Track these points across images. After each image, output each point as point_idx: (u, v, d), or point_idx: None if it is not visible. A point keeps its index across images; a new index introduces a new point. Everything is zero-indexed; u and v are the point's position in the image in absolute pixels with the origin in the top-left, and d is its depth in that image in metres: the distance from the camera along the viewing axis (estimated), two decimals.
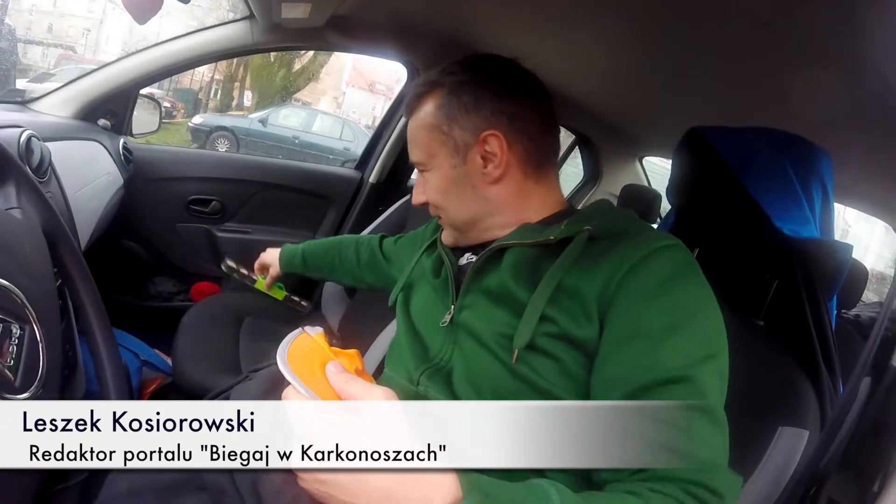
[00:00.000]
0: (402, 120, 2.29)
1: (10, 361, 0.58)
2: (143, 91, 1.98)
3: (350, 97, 18.25)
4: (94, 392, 0.84)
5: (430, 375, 0.88)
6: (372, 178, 2.41)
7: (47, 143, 1.33)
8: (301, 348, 0.67)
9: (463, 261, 1.00)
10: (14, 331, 0.60)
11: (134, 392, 1.47)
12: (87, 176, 1.55)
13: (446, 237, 1.01)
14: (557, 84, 2.10)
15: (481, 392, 0.83)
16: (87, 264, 0.83)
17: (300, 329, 0.70)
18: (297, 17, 1.63)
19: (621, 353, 0.74)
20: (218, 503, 0.65)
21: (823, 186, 1.12)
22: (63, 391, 0.69)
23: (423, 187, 0.96)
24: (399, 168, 2.43)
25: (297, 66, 14.86)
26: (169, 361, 1.61)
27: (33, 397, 0.58)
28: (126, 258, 2.10)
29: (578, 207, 1.00)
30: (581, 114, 2.54)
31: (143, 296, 2.15)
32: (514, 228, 0.93)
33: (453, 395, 0.85)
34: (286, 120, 11.70)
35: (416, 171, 1.02)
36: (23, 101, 1.71)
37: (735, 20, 1.13)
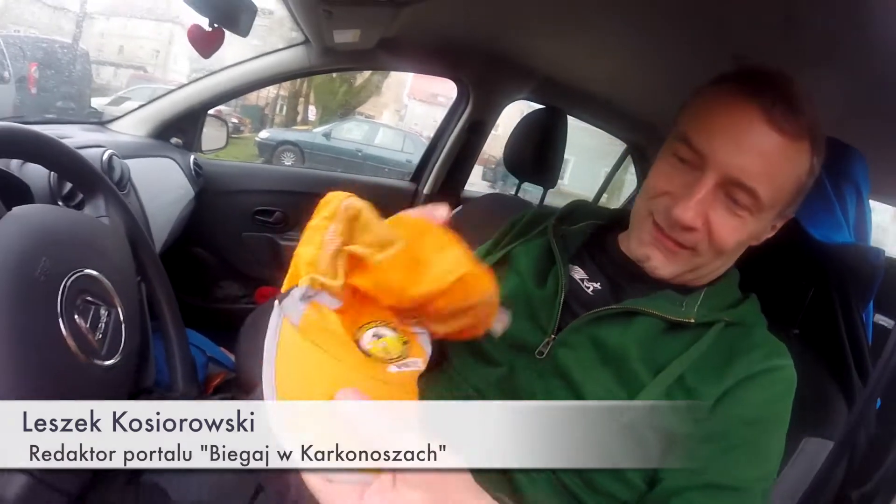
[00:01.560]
0: (455, 133, 2.39)
1: (98, 336, 0.70)
2: (211, 111, 2.11)
3: (412, 109, 18.46)
4: (164, 381, 0.96)
5: (503, 398, 0.80)
6: (426, 190, 2.48)
7: (126, 160, 1.48)
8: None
9: (575, 275, 0.88)
10: (103, 312, 0.72)
11: (200, 385, 1.61)
12: (162, 189, 1.71)
13: (665, 268, 0.81)
14: (608, 94, 2.16)
15: None
16: (160, 263, 0.97)
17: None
18: (348, 41, 1.72)
19: (695, 448, 0.71)
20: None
21: (858, 190, 1.08)
22: (138, 371, 0.82)
23: (719, 218, 0.76)
24: (452, 179, 2.49)
25: (358, 81, 15.24)
26: (232, 358, 1.74)
27: (115, 364, 0.71)
28: (196, 264, 2.23)
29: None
30: (633, 123, 2.55)
31: (211, 298, 2.28)
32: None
33: None
34: (349, 133, 11.98)
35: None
36: (101, 122, 1.87)
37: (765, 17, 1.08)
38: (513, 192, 2.23)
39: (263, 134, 11.99)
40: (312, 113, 15.15)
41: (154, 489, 0.66)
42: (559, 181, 2.12)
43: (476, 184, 3.81)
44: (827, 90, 1.03)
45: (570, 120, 2.43)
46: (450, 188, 2.50)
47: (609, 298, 0.83)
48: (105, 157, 1.32)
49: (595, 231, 0.93)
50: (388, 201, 2.47)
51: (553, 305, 0.82)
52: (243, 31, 1.32)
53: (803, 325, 1.12)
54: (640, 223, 0.82)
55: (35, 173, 1.04)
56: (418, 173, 2.56)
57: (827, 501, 0.91)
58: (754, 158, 0.72)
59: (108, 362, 0.70)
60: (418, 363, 0.56)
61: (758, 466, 0.72)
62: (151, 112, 1.93)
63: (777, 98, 0.72)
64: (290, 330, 0.52)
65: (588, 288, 0.85)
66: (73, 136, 1.43)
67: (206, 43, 1.27)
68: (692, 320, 0.77)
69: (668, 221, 0.77)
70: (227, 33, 1.29)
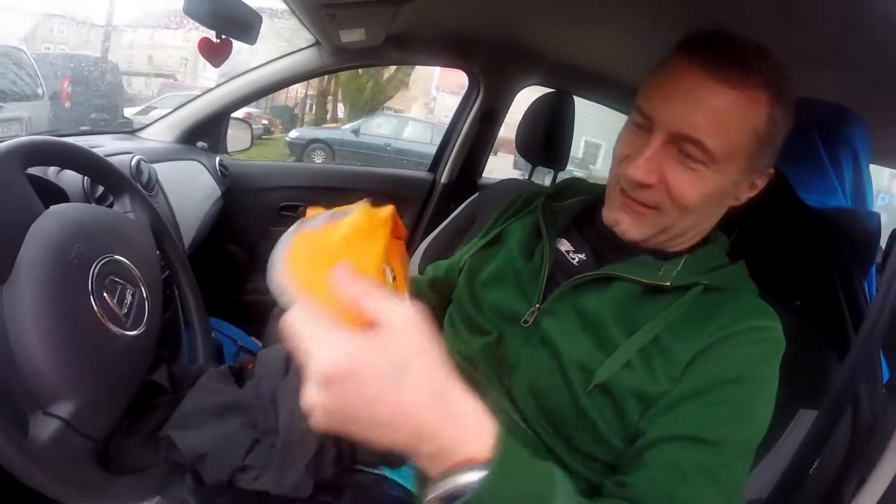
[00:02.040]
0: (469, 122, 2.43)
1: (124, 310, 0.82)
2: (234, 114, 2.19)
3: (441, 102, 18.47)
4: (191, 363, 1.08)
5: (490, 364, 0.85)
6: (443, 179, 2.54)
7: (154, 164, 1.60)
8: (313, 241, 0.57)
9: (561, 247, 0.93)
10: (128, 291, 0.84)
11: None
12: (189, 190, 1.82)
13: (634, 231, 0.84)
14: (619, 75, 2.16)
15: (540, 405, 0.81)
16: (184, 254, 1.08)
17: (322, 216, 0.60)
18: (356, 39, 1.78)
19: (673, 406, 0.74)
20: (251, 420, 0.79)
21: (855, 154, 1.05)
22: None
23: (674, 174, 0.78)
24: (467, 168, 2.55)
25: (385, 76, 15.33)
26: (261, 346, 1.85)
27: (139, 334, 0.82)
28: (227, 259, 2.32)
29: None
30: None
31: (243, 291, 2.36)
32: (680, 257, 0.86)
33: (507, 392, 0.83)
34: (378, 129, 12.12)
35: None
36: (131, 131, 1.98)
37: None
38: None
39: (293, 133, 12.20)
40: (341, 110, 15.32)
41: (166, 442, 0.77)
42: (591, 166, 2.13)
43: (510, 174, 3.83)
44: (825, 53, 1.07)
45: (600, 106, 2.48)
46: (467, 176, 2.56)
47: (593, 268, 0.86)
48: (133, 162, 1.44)
49: (585, 206, 0.97)
50: (407, 191, 2.55)
51: (538, 277, 0.88)
52: (250, 39, 1.41)
53: (805, 295, 1.12)
54: (610, 191, 0.86)
55: (71, 179, 1.15)
56: (435, 163, 2.62)
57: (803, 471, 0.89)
58: (698, 111, 0.74)
59: (133, 332, 0.81)
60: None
61: (738, 425, 0.72)
62: (177, 119, 2.04)
63: (720, 53, 0.74)
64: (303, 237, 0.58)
65: (574, 259, 0.90)
66: (104, 144, 1.54)
67: (215, 53, 1.37)
68: (668, 284, 0.79)
69: (628, 182, 0.80)
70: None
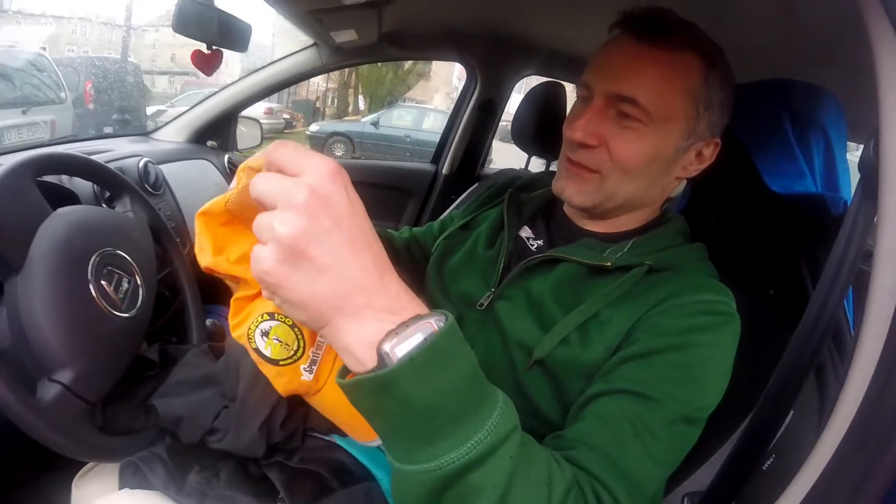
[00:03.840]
0: (468, 113, 2.47)
1: (120, 295, 0.94)
2: (256, 109, 2.25)
3: None
4: None
5: None
6: (445, 170, 2.58)
7: (164, 165, 1.72)
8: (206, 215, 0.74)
9: (523, 233, 0.96)
10: (124, 279, 0.96)
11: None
12: (198, 187, 1.91)
13: (579, 196, 0.86)
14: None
15: None
16: (181, 248, 1.21)
17: None
18: (349, 39, 1.85)
19: (613, 369, 0.73)
20: (221, 389, 0.91)
21: (826, 135, 1.02)
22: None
23: (614, 134, 0.80)
24: (468, 159, 2.58)
25: (405, 67, 15.32)
26: None
27: (133, 316, 0.94)
28: None
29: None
30: None
31: None
32: (628, 228, 0.89)
33: None
34: (398, 120, 12.13)
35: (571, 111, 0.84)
36: (145, 133, 2.09)
37: None
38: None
39: (313, 127, 12.28)
40: (362, 103, 15.35)
41: (153, 409, 0.90)
42: None
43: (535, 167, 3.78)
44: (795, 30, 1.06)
45: None
46: (467, 167, 2.60)
47: (545, 252, 0.88)
48: (141, 164, 1.55)
49: (551, 197, 0.99)
50: (410, 183, 2.59)
51: (497, 263, 0.91)
52: (240, 48, 1.50)
53: (779, 284, 1.09)
54: (559, 164, 0.89)
55: (82, 183, 1.27)
56: (437, 155, 2.67)
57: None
58: (630, 72, 0.79)
59: (126, 314, 0.93)
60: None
61: (682, 386, 0.69)
62: (188, 120, 2.14)
63: (651, 23, 0.79)
64: None
65: (533, 245, 0.94)
66: (115, 148, 1.65)
67: (207, 64, 1.46)
68: (608, 264, 0.80)
69: (570, 146, 0.84)
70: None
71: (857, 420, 0.47)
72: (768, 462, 0.80)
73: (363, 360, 0.46)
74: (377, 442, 0.60)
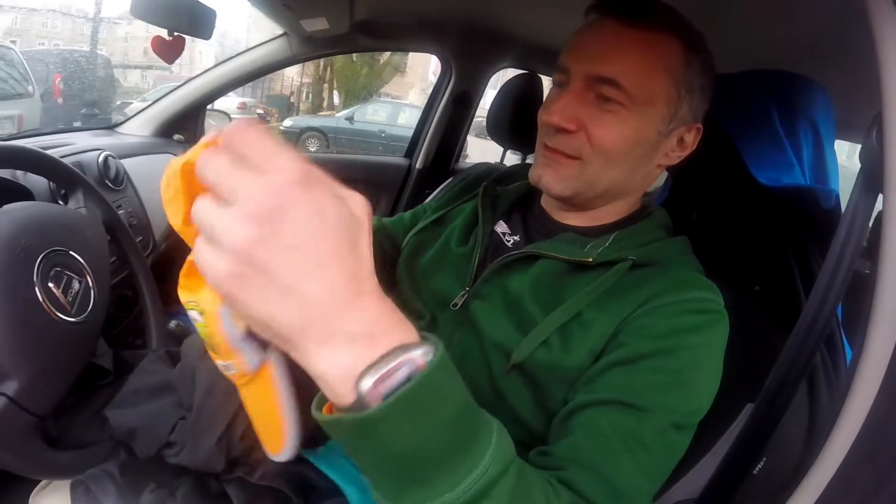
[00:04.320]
0: (442, 106, 2.43)
1: (69, 298, 0.87)
2: (212, 106, 2.20)
3: None
4: None
5: None
6: (418, 165, 2.54)
7: (128, 159, 1.65)
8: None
9: (499, 228, 0.92)
10: (74, 280, 0.89)
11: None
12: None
13: (557, 185, 0.82)
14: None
15: None
16: (138, 245, 1.14)
17: None
18: (320, 28, 1.80)
19: (598, 375, 0.70)
20: (178, 399, 0.85)
21: (814, 127, 0.99)
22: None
23: (593, 118, 0.77)
24: (442, 153, 2.54)
25: (381, 61, 15.26)
26: None
27: (84, 320, 0.88)
28: None
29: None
30: None
31: None
32: (606, 222, 0.86)
33: None
34: (374, 115, 12.06)
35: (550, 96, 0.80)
36: (110, 127, 2.02)
37: None
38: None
39: (287, 122, 12.17)
40: (337, 98, 15.29)
41: (105, 419, 0.83)
42: None
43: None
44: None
45: None
46: (442, 161, 2.56)
47: (523, 248, 0.84)
48: (101, 158, 1.48)
49: (528, 190, 0.96)
50: (383, 178, 2.55)
51: (470, 260, 0.87)
52: (205, 34, 1.43)
53: (765, 280, 1.06)
54: (536, 152, 0.85)
55: (38, 179, 1.20)
56: (411, 149, 2.63)
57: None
58: (611, 53, 0.76)
59: (76, 318, 0.87)
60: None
61: (671, 394, 0.67)
62: (153, 113, 2.07)
63: (629, 4, 0.76)
64: None
65: (509, 241, 0.90)
66: (76, 142, 1.58)
67: (168, 51, 1.39)
68: (590, 260, 0.77)
69: (548, 132, 0.80)
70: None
71: (864, 431, 0.43)
72: (759, 465, 0.78)
73: (340, 394, 0.40)
74: (286, 456, 0.53)
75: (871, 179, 0.50)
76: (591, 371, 0.71)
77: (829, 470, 0.46)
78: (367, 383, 0.38)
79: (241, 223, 0.36)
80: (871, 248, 0.55)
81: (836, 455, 0.46)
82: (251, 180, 0.36)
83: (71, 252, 0.90)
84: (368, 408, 0.38)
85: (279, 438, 0.49)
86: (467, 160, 2.81)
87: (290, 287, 0.37)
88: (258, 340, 0.48)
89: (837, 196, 0.97)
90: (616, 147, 0.77)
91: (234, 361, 0.50)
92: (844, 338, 0.93)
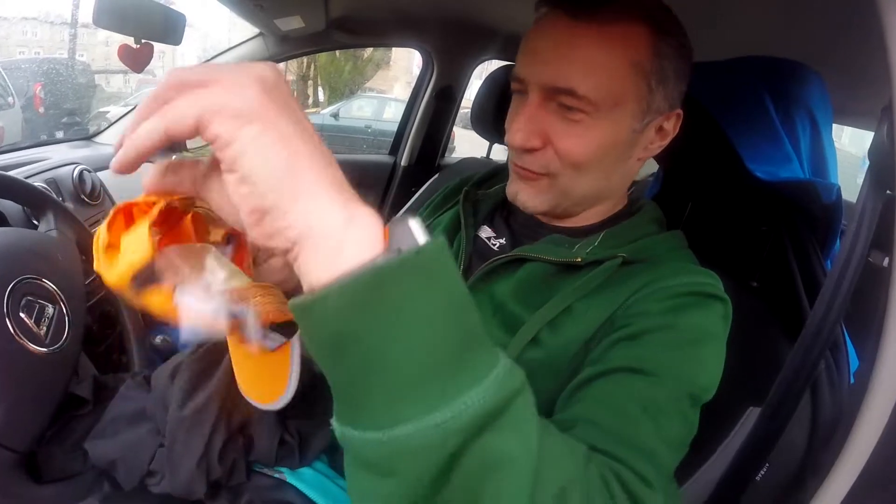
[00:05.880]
0: (425, 102, 2.41)
1: (43, 328, 0.84)
2: None
3: None
4: None
5: None
6: (403, 162, 2.53)
7: (105, 172, 1.60)
8: None
9: (483, 234, 0.89)
10: (48, 309, 0.86)
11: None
12: (140, 192, 1.82)
13: (532, 200, 0.78)
14: None
15: None
16: None
17: None
18: (295, 27, 1.76)
19: (606, 352, 0.66)
20: (156, 427, 0.81)
21: (812, 117, 0.95)
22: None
23: (558, 131, 0.72)
24: (427, 149, 2.53)
25: (364, 56, 15.14)
26: None
27: (59, 348, 0.85)
28: None
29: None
30: None
31: None
32: (593, 223, 0.82)
33: None
34: (360, 111, 11.93)
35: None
36: (89, 137, 1.96)
37: None
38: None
39: None
40: (322, 95, 15.18)
41: (85, 451, 0.80)
42: None
43: None
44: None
45: None
46: (427, 157, 2.54)
47: (509, 252, 0.81)
48: (76, 173, 1.44)
49: None
50: (367, 177, 2.52)
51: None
52: (174, 40, 1.37)
53: (763, 276, 1.03)
54: (509, 166, 0.81)
55: (11, 203, 1.15)
56: (395, 146, 2.60)
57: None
58: (564, 58, 0.68)
59: (50, 348, 0.83)
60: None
61: (680, 361, 0.63)
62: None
63: None
64: None
65: (494, 245, 0.86)
66: (52, 156, 1.54)
67: (135, 59, 1.33)
68: (579, 260, 0.74)
69: (514, 152, 0.76)
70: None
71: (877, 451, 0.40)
72: (762, 472, 0.76)
73: (333, 249, 0.36)
74: (279, 404, 0.48)
75: (880, 177, 0.47)
76: (593, 353, 0.67)
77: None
78: (371, 231, 0.37)
79: (240, 89, 0.36)
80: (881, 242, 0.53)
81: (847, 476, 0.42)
82: (217, 70, 0.37)
83: (42, 280, 0.87)
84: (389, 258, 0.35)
85: (280, 382, 0.47)
86: (454, 154, 2.77)
87: (290, 135, 0.37)
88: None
89: (839, 189, 0.93)
90: (586, 158, 0.72)
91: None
92: (846, 335, 0.90)
